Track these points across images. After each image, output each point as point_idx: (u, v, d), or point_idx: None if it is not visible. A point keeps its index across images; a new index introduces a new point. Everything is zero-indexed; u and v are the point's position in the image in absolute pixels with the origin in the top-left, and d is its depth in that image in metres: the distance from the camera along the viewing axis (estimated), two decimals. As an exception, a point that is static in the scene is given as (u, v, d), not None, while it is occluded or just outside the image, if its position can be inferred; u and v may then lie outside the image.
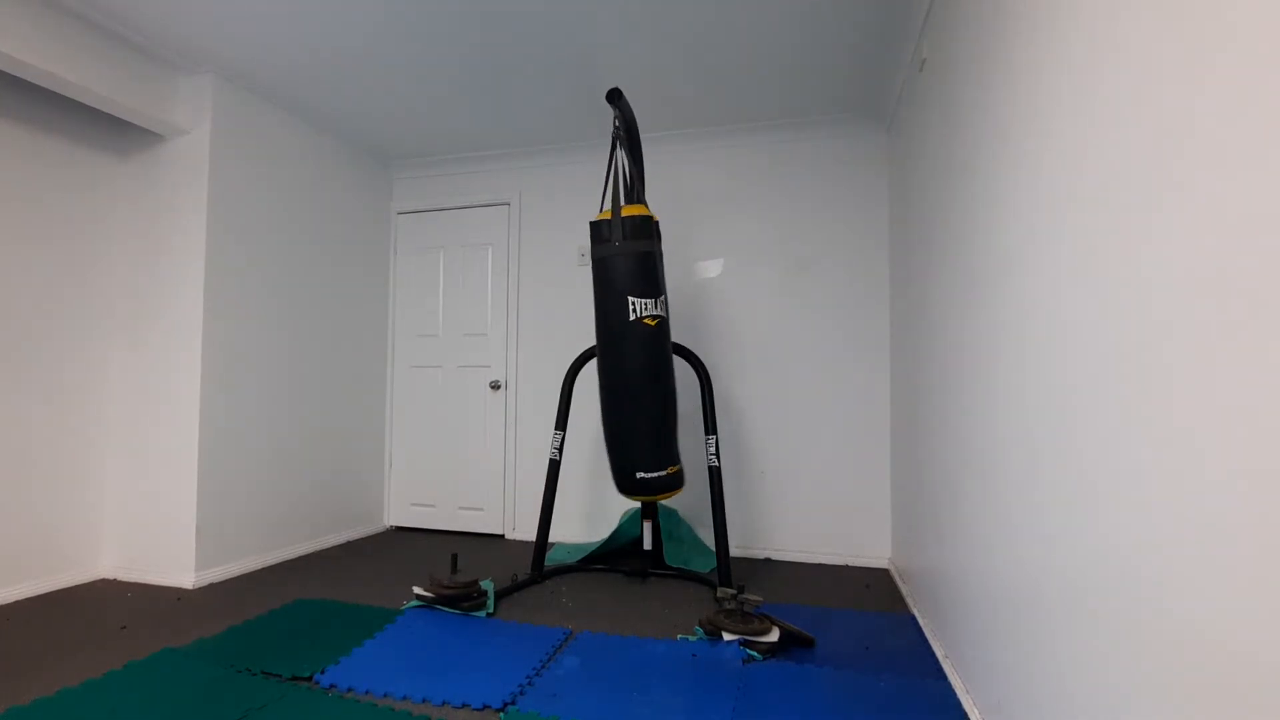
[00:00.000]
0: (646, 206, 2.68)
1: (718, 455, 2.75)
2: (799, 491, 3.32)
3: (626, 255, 2.60)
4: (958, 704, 1.76)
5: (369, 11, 2.43)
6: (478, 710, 1.72)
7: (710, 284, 3.50)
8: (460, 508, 3.87)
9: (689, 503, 3.47)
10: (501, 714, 1.69)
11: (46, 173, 2.70)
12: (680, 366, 3.52)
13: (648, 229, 2.62)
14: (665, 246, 3.57)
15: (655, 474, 2.64)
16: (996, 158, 1.55)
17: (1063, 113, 1.17)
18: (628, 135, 2.68)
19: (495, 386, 3.81)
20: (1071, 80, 1.14)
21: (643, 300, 2.61)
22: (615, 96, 2.56)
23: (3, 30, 2.21)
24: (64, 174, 2.76)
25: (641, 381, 2.61)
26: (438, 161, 3.95)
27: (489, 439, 3.82)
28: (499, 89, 3.04)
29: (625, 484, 2.67)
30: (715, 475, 2.73)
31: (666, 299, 2.71)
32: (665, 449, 2.65)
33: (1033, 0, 1.33)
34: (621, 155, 2.73)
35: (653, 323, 2.61)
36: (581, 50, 2.70)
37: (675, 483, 2.70)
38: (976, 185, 1.71)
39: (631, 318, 2.61)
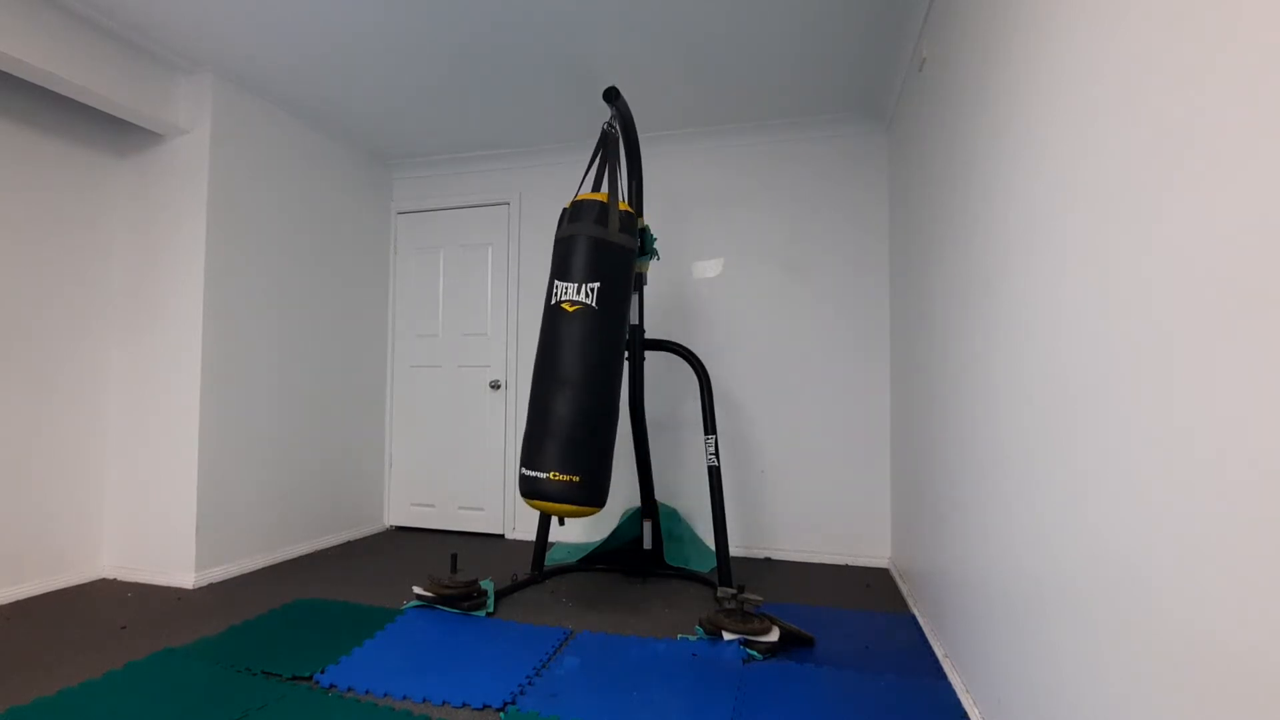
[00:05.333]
0: (606, 195, 2.49)
1: (717, 455, 2.75)
2: (799, 491, 3.32)
3: (564, 239, 2.43)
4: (957, 704, 1.76)
5: (369, 12, 2.43)
6: (478, 710, 1.72)
7: (710, 283, 3.50)
8: (460, 508, 3.87)
9: (689, 503, 3.47)
10: (501, 713, 1.69)
11: (46, 172, 2.69)
12: (680, 366, 3.52)
13: (603, 216, 2.41)
14: (664, 246, 3.57)
15: (537, 474, 2.25)
16: (996, 156, 1.55)
17: (1062, 111, 1.17)
18: (625, 134, 2.68)
19: (495, 386, 3.81)
20: (1071, 78, 1.14)
21: (565, 284, 2.37)
22: (613, 95, 2.56)
23: (2, 30, 2.21)
24: (63, 173, 2.76)
25: (547, 370, 2.35)
26: (438, 161, 3.95)
27: (489, 439, 3.82)
28: (499, 89, 3.04)
29: (519, 480, 2.30)
30: (715, 475, 2.73)
31: (605, 291, 2.37)
32: (557, 451, 2.26)
33: (1032, -1, 1.33)
34: (617, 155, 2.70)
35: (570, 308, 2.34)
36: (581, 50, 2.70)
37: (564, 494, 2.23)
38: (976, 184, 1.71)
39: (551, 301, 2.40)
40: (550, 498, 2.24)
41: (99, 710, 1.67)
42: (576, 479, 2.24)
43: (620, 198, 2.52)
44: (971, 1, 1.76)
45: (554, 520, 3.69)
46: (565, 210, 2.52)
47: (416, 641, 2.15)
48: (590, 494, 2.27)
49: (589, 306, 2.35)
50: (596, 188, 2.66)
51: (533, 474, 2.27)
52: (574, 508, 2.25)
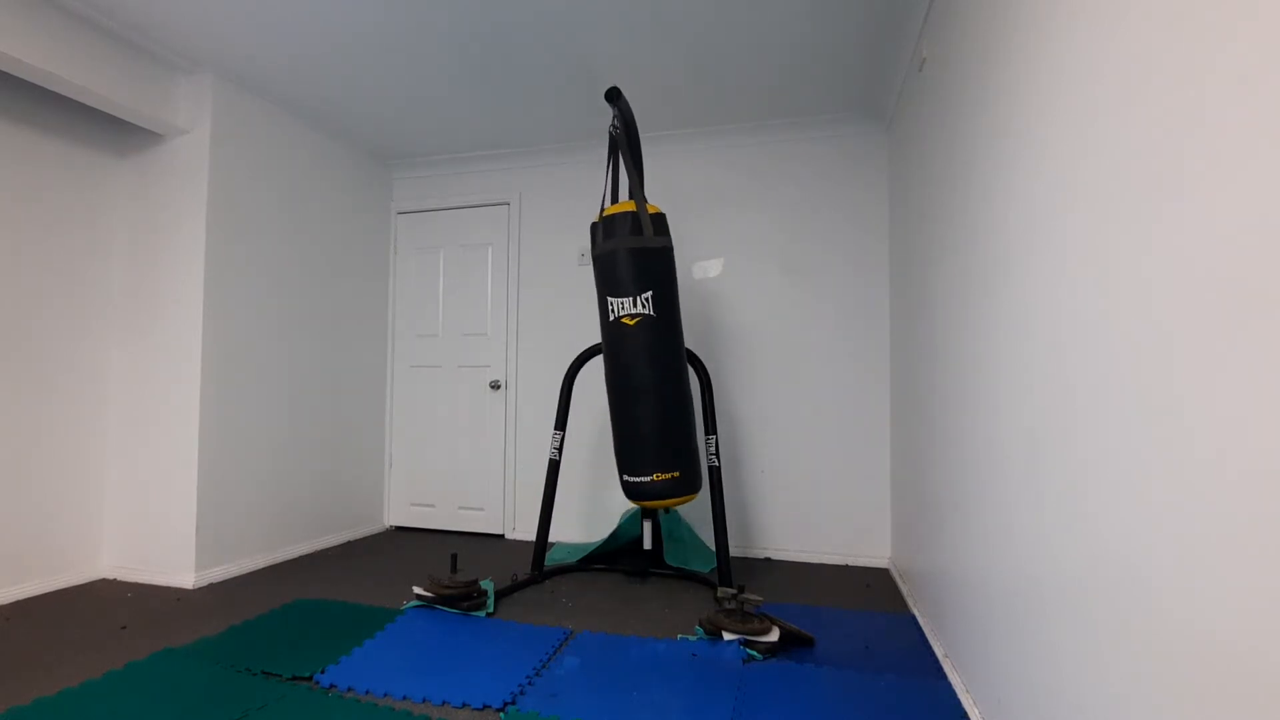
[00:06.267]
0: (635, 203, 2.58)
1: (718, 455, 2.75)
2: (799, 491, 3.32)
3: (607, 254, 2.54)
4: (957, 704, 1.76)
5: (369, 12, 2.43)
6: (478, 710, 1.72)
7: (710, 283, 3.50)
8: (460, 508, 3.87)
9: (689, 502, 3.47)
10: (501, 714, 1.69)
11: (45, 172, 2.69)
12: (680, 366, 3.52)
13: (638, 225, 2.53)
14: (665, 246, 3.57)
15: (641, 479, 2.53)
16: (996, 156, 1.55)
17: (1062, 111, 1.17)
18: (627, 135, 2.68)
19: (495, 386, 3.81)
20: (1071, 78, 1.14)
21: (619, 299, 2.53)
22: (614, 96, 2.56)
23: (2, 30, 2.21)
24: (63, 174, 2.76)
25: (624, 383, 2.53)
26: (438, 161, 3.95)
27: (489, 439, 3.82)
28: (499, 89, 3.04)
29: (623, 485, 2.64)
30: (715, 475, 2.73)
31: (659, 296, 2.53)
32: (654, 455, 2.52)
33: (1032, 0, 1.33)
34: (627, 157, 2.71)
35: (631, 322, 2.51)
36: (581, 50, 2.70)
37: (669, 490, 2.53)
38: (976, 184, 1.71)
39: (611, 318, 2.55)
40: (657, 496, 2.54)
41: (99, 710, 1.67)
42: (677, 474, 2.54)
43: (644, 199, 2.59)
44: (971, 1, 1.76)
45: (554, 520, 3.70)
46: (595, 225, 2.61)
47: (416, 641, 2.15)
48: (690, 483, 2.58)
49: (648, 316, 2.51)
50: (615, 195, 2.69)
51: (637, 480, 2.55)
52: (679, 499, 2.58)
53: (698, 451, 2.64)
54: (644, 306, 2.50)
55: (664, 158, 3.59)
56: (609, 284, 2.55)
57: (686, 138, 3.52)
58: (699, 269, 3.52)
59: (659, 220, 2.58)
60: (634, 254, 2.51)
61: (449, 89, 3.05)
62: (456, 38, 2.61)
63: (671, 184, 3.58)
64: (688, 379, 2.63)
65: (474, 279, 3.91)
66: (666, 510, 3.33)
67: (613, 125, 2.62)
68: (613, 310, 2.54)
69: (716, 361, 3.46)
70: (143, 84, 2.68)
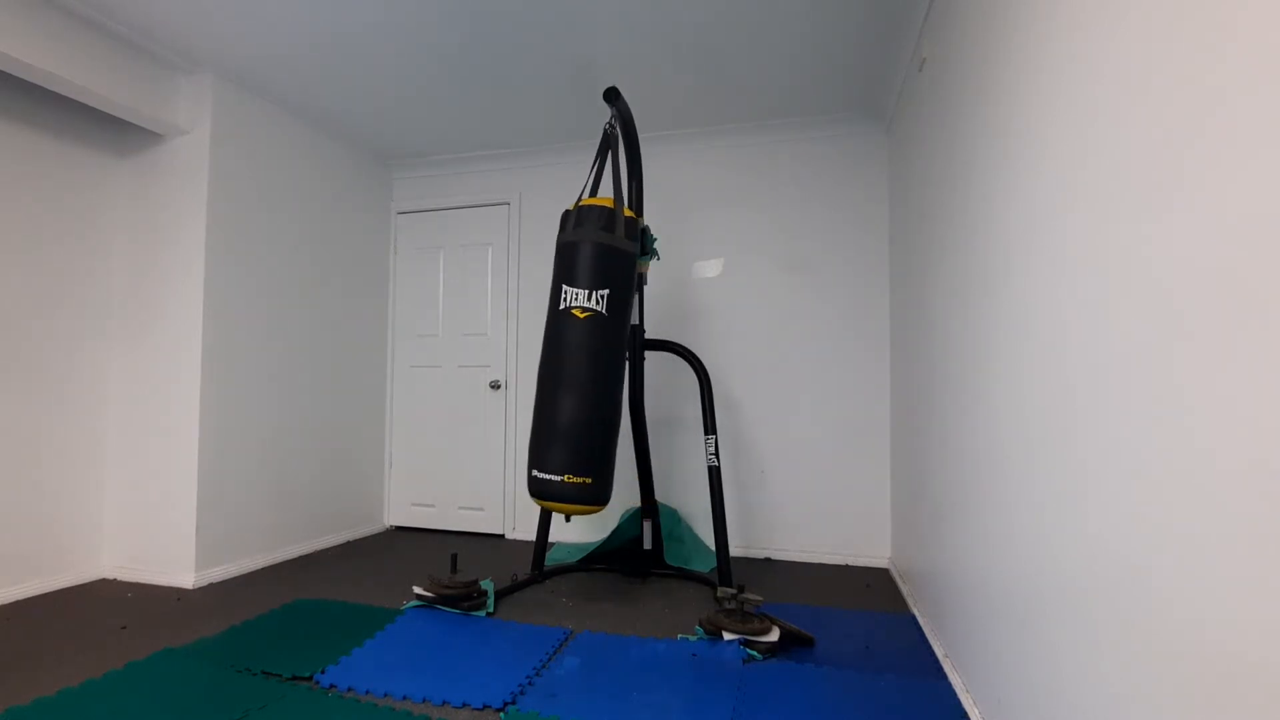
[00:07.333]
0: (613, 200, 2.51)
1: (717, 455, 2.75)
2: (799, 491, 3.32)
3: (571, 243, 2.46)
4: (957, 703, 1.76)
5: (369, 12, 2.43)
6: (478, 710, 1.72)
7: (710, 283, 3.50)
8: (460, 508, 3.87)
9: (689, 503, 3.47)
10: (502, 714, 1.69)
11: (45, 172, 2.69)
12: (680, 366, 3.52)
13: (610, 222, 2.45)
14: (664, 246, 3.57)
15: (550, 476, 2.34)
16: (996, 156, 1.55)
17: (1063, 111, 1.17)
18: (624, 135, 2.67)
19: (495, 386, 3.81)
20: (1071, 78, 1.14)
21: (574, 289, 2.42)
22: (613, 95, 2.56)
23: (2, 30, 2.21)
24: (63, 174, 2.76)
25: (557, 374, 2.41)
26: (438, 161, 3.95)
27: (489, 439, 3.82)
28: (499, 88, 3.04)
29: (529, 481, 2.45)
30: (715, 475, 2.73)
31: (614, 298, 2.43)
32: (569, 455, 2.35)
33: (1032, -1, 1.33)
34: (618, 157, 2.69)
35: (581, 315, 2.39)
36: (581, 50, 2.70)
37: (577, 495, 2.33)
38: (976, 184, 1.71)
39: (561, 306, 2.45)
40: (564, 499, 2.35)
41: (99, 710, 1.67)
42: (588, 481, 2.35)
43: (622, 200, 2.53)
44: (971, 1, 1.76)
45: (554, 520, 3.69)
46: (568, 213, 2.54)
47: (416, 641, 2.15)
48: (600, 493, 2.39)
49: (600, 314, 2.41)
50: (596, 190, 2.67)
51: (545, 476, 2.36)
52: (586, 507, 2.37)
53: (613, 465, 2.47)
54: (598, 303, 2.41)
55: (664, 158, 3.59)
56: (567, 272, 2.46)
57: (686, 138, 3.52)
58: (699, 269, 3.52)
59: (631, 224, 2.52)
60: (599, 249, 2.43)
61: (449, 88, 3.05)
62: (457, 37, 2.61)
63: (672, 184, 3.58)
64: (622, 389, 2.50)
65: (474, 279, 3.91)
66: (669, 510, 3.33)
67: (609, 123, 2.61)
68: (565, 299, 2.45)
69: (716, 362, 3.46)
70: (143, 84, 2.68)
